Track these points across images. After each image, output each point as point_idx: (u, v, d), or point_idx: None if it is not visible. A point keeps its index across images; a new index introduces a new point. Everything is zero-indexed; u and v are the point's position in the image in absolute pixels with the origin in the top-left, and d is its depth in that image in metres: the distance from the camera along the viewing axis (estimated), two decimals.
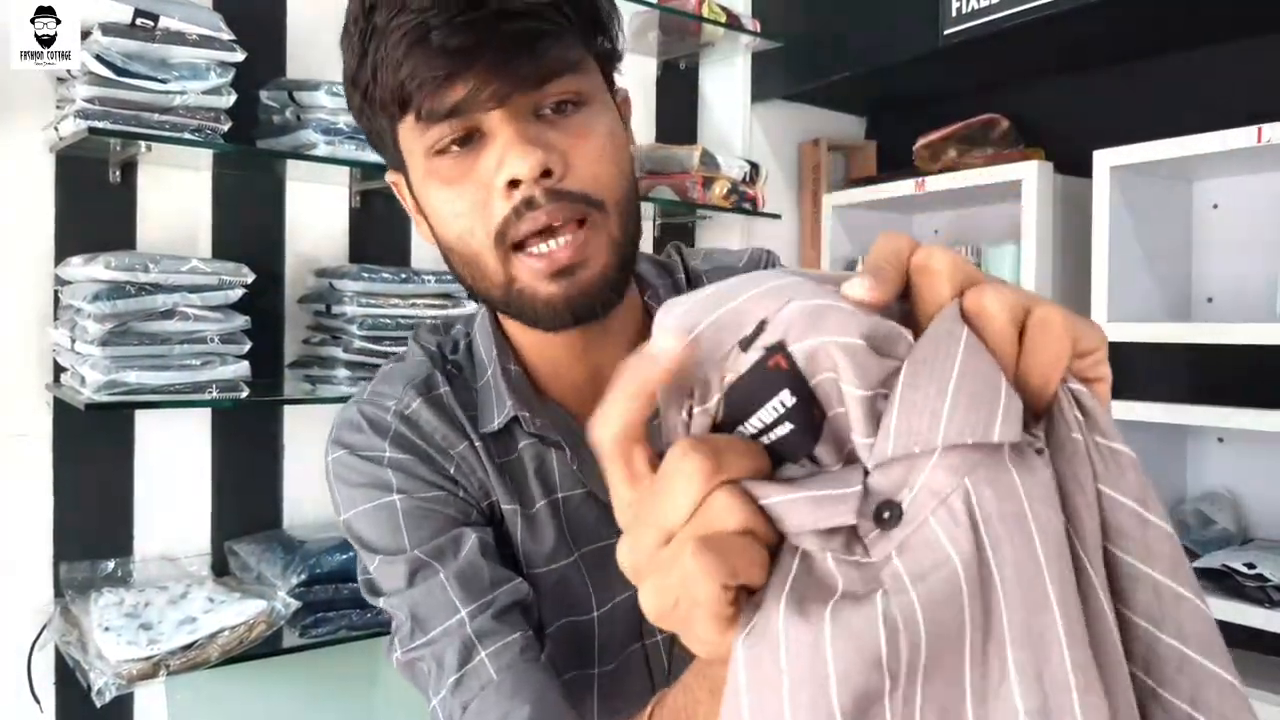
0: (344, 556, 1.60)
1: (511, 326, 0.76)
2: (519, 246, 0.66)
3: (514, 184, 0.65)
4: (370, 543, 0.73)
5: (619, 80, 0.75)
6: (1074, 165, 1.98)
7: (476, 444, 0.75)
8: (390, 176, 0.76)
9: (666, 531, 0.35)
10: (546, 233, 0.65)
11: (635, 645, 0.77)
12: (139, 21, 1.42)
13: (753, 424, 0.36)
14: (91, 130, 1.39)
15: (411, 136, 0.67)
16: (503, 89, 0.63)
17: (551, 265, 0.66)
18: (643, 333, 0.76)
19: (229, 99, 1.51)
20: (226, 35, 1.50)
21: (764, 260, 0.88)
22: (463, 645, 0.68)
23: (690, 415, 0.37)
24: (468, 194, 0.67)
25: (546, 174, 0.65)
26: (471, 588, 0.69)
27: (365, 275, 1.65)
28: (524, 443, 0.76)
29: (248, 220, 1.74)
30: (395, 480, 0.72)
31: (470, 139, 0.66)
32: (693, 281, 0.83)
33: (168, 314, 1.44)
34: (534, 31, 0.62)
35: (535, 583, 0.74)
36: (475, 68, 0.62)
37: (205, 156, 1.58)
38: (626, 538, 0.37)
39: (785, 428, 0.36)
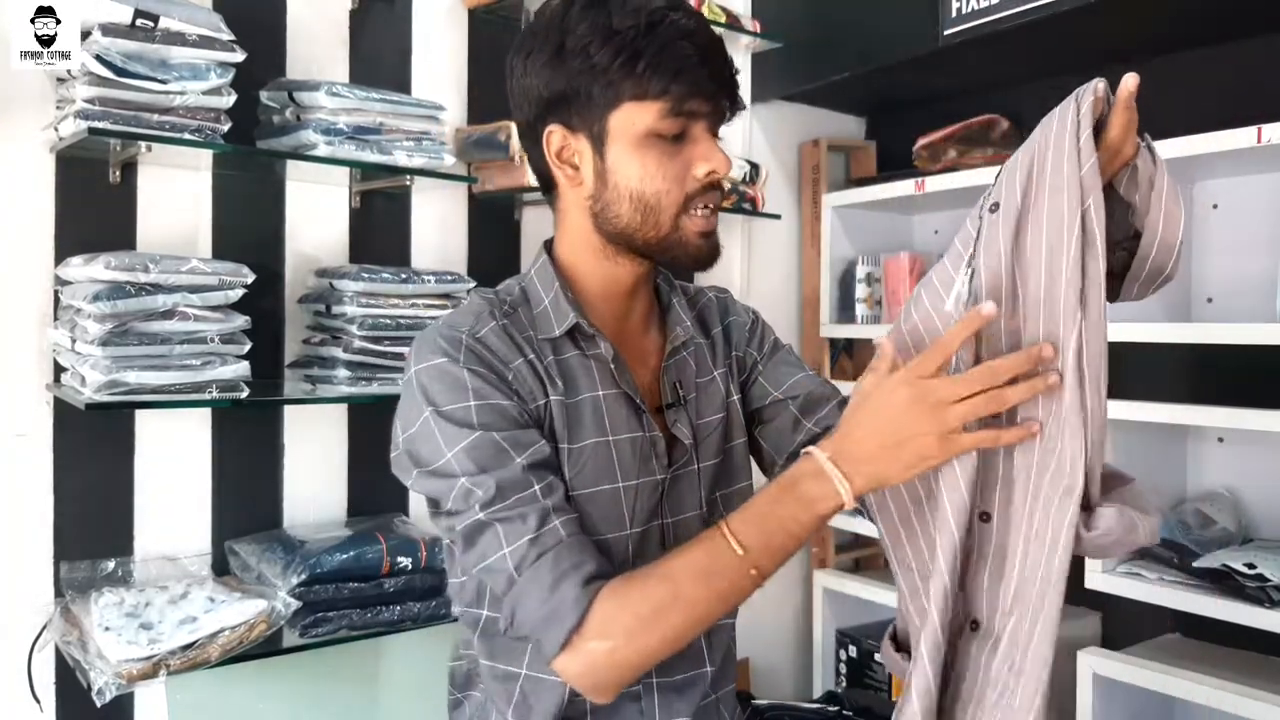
0: (344, 556, 1.60)
1: (581, 271, 1.04)
2: (688, 211, 0.98)
3: (711, 173, 0.98)
4: (452, 434, 0.92)
5: None
6: None
7: (530, 357, 0.99)
8: (555, 131, 0.99)
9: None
10: (706, 207, 0.99)
11: (655, 522, 1.02)
12: (139, 22, 1.42)
13: None
14: (91, 130, 1.40)
15: (638, 115, 0.95)
16: (723, 118, 1.00)
17: (704, 228, 1.00)
18: (652, 295, 1.11)
19: (229, 99, 1.52)
20: (226, 35, 1.50)
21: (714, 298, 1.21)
22: (541, 512, 0.91)
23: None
24: (673, 169, 0.97)
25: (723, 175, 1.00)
26: (541, 473, 0.93)
27: (365, 275, 1.65)
28: (573, 353, 1.02)
29: (248, 220, 1.74)
30: (471, 383, 0.94)
31: (680, 137, 0.97)
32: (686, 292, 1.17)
33: (168, 314, 1.44)
34: (735, 92, 1.00)
35: (577, 455, 0.98)
36: (719, 96, 0.98)
37: (205, 156, 1.59)
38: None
39: None
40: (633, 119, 0.95)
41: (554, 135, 0.99)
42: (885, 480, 0.88)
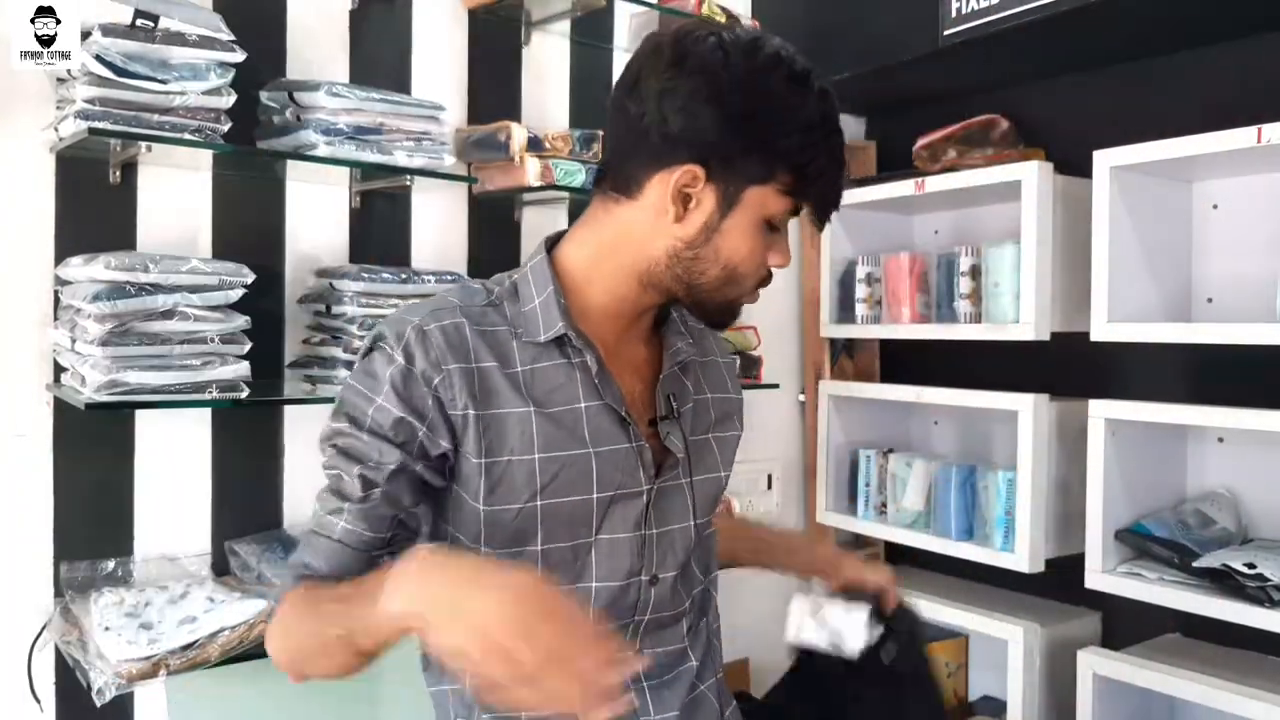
0: None
1: (593, 283, 1.03)
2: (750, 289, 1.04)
3: (779, 267, 1.04)
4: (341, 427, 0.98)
5: None
6: (1074, 165, 1.98)
7: (476, 365, 0.98)
8: (692, 173, 0.97)
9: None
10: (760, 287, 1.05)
11: (639, 532, 1.03)
12: (139, 22, 1.42)
13: None
14: (91, 130, 1.40)
15: (772, 201, 0.98)
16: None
17: (750, 301, 1.05)
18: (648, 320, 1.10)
19: (229, 99, 1.51)
20: (226, 35, 1.50)
21: None
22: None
23: None
24: (764, 254, 1.02)
25: None
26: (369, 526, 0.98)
27: (365, 275, 1.65)
28: (556, 360, 1.00)
29: (248, 220, 1.74)
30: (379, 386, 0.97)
31: (777, 228, 1.01)
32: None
33: (168, 314, 1.44)
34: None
35: (553, 463, 0.98)
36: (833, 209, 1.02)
37: (205, 157, 1.58)
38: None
39: None
40: (765, 201, 0.98)
41: (689, 173, 0.96)
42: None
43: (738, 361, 1.25)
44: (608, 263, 1.02)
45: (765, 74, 0.94)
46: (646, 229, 0.99)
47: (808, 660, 1.19)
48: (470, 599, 0.74)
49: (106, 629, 1.42)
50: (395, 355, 0.96)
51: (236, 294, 1.52)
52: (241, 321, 1.52)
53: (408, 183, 1.80)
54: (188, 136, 1.48)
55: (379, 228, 1.88)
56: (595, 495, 1.00)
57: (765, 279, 1.03)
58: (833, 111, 0.97)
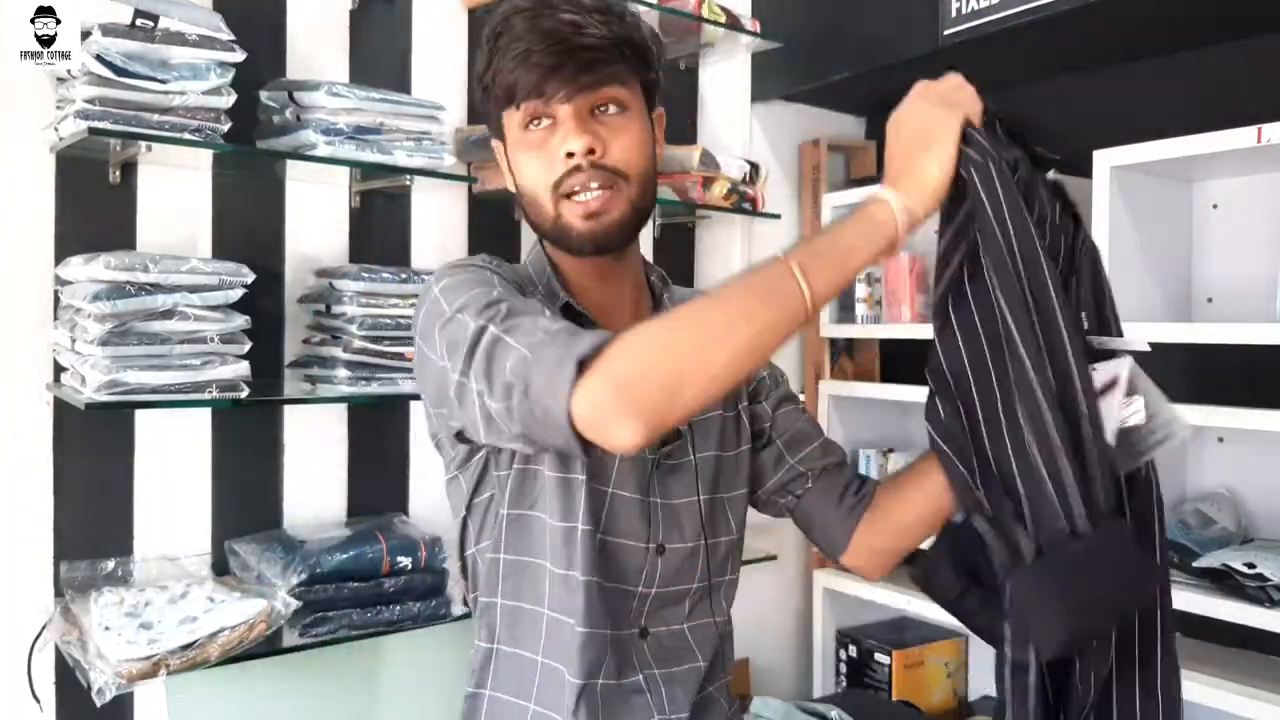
0: (344, 556, 1.60)
1: (557, 258, 1.06)
2: (567, 196, 0.98)
3: (570, 155, 0.96)
4: (460, 292, 0.94)
5: (659, 101, 1.08)
6: (1074, 165, 1.98)
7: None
8: (494, 144, 1.07)
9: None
10: (584, 189, 0.97)
11: (643, 498, 1.05)
12: (139, 22, 1.42)
13: None
14: (91, 130, 1.40)
15: (511, 119, 1.00)
16: (570, 91, 0.95)
17: (585, 210, 0.98)
18: (641, 286, 1.11)
19: (229, 99, 1.51)
20: (226, 35, 1.50)
21: None
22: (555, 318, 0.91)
23: None
24: (541, 158, 0.98)
25: (591, 151, 0.96)
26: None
27: (365, 275, 1.65)
28: None
29: (248, 220, 1.74)
30: (489, 277, 0.97)
31: (547, 124, 0.98)
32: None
33: (168, 314, 1.44)
34: (595, 58, 0.95)
35: None
36: (555, 78, 0.94)
37: (205, 156, 1.59)
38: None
39: None
40: (510, 119, 1.01)
41: (498, 148, 1.07)
42: (930, 183, 0.90)
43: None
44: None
45: (490, 29, 1.00)
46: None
47: None
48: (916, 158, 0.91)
49: (106, 629, 1.42)
50: (476, 261, 1.01)
51: (236, 294, 1.52)
52: (241, 321, 1.52)
53: (407, 182, 1.80)
54: (188, 136, 1.48)
55: (379, 228, 1.88)
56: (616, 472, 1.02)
57: (563, 177, 0.97)
58: (502, 34, 0.97)
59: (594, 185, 0.97)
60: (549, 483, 1.01)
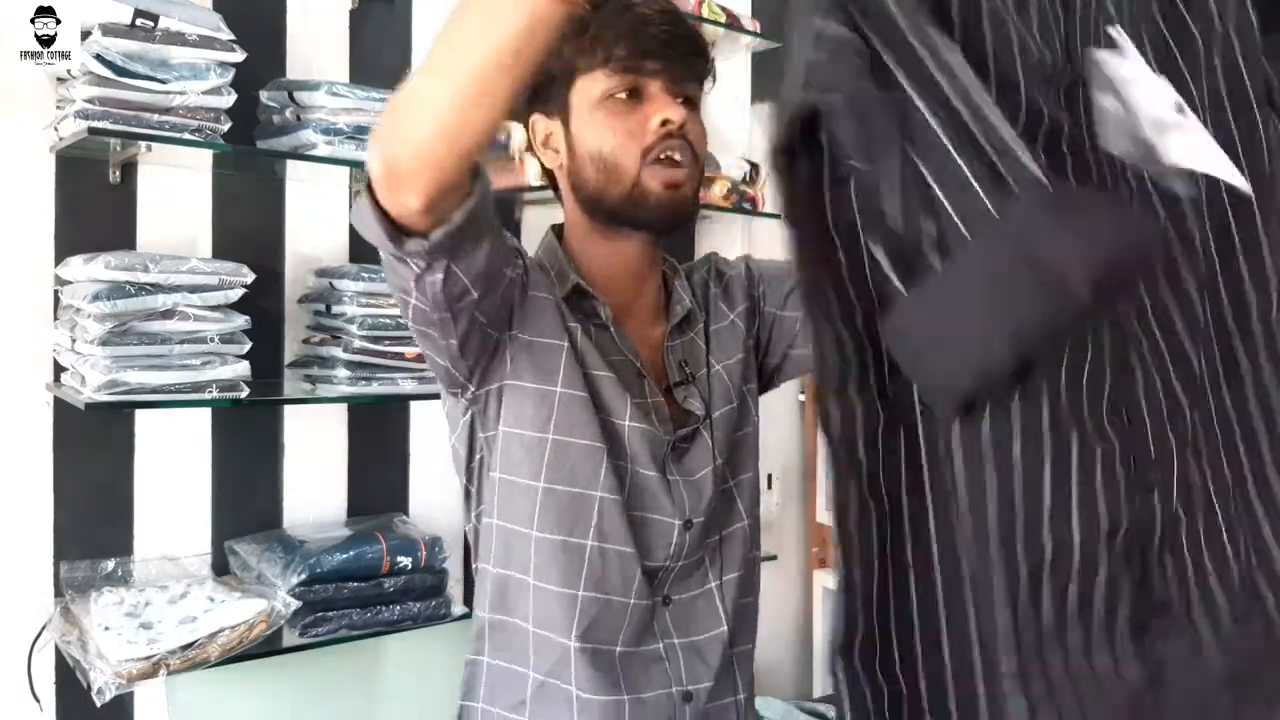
0: (344, 556, 1.60)
1: (578, 242, 1.08)
2: (657, 160, 1.00)
3: (665, 123, 0.99)
4: None
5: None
6: None
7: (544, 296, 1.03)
8: (534, 119, 1.06)
9: None
10: (677, 154, 1.00)
11: (659, 475, 1.04)
12: (139, 22, 1.42)
13: None
14: (91, 130, 1.40)
15: (591, 84, 1.00)
16: (676, 73, 1.01)
17: (669, 179, 1.00)
18: (655, 276, 1.12)
19: (229, 99, 1.51)
20: (226, 35, 1.50)
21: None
22: None
23: None
24: (628, 123, 1.00)
25: (681, 126, 1.00)
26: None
27: (365, 275, 1.65)
28: (571, 322, 1.04)
29: (248, 220, 1.74)
30: None
31: (637, 96, 1.01)
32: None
33: (168, 314, 1.44)
34: (692, 54, 1.03)
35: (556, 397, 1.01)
36: (668, 53, 1.00)
37: (205, 156, 1.59)
38: None
39: None
40: (588, 88, 1.01)
41: (537, 125, 1.06)
42: None
43: (746, 268, 1.22)
44: (577, 236, 1.09)
45: None
46: (564, 192, 1.08)
47: None
48: None
49: (106, 629, 1.42)
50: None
51: (236, 294, 1.52)
52: (241, 321, 1.52)
53: None
54: (188, 136, 1.48)
55: None
56: (601, 445, 1.02)
57: (654, 145, 0.99)
58: None
59: (680, 158, 1.00)
60: (521, 442, 1.02)
